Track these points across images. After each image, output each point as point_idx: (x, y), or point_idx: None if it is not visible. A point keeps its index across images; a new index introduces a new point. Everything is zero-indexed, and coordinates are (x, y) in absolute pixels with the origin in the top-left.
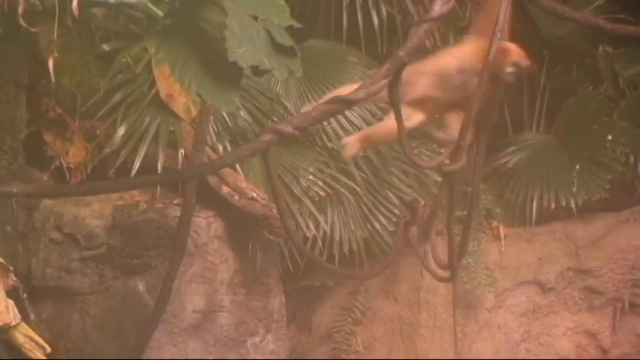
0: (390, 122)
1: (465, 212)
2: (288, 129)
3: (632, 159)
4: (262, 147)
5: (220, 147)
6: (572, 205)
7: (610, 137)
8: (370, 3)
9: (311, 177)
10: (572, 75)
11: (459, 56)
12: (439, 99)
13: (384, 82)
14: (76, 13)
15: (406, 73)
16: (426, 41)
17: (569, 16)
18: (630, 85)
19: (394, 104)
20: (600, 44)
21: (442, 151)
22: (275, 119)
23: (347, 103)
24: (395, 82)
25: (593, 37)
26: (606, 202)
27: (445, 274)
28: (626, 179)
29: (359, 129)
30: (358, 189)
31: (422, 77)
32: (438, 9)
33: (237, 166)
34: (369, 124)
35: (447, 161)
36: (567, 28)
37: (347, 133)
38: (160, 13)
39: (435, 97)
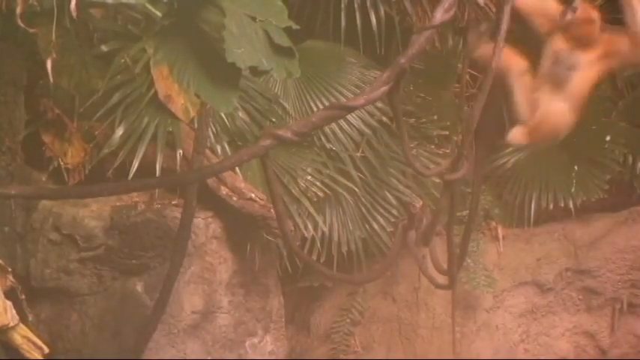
0: (558, 106)
1: (464, 212)
2: (288, 134)
3: (630, 159)
4: (261, 151)
5: (219, 148)
6: (571, 205)
7: (608, 138)
8: (368, 4)
9: (309, 177)
10: None
11: (546, 53)
12: (570, 94)
13: (385, 89)
14: (74, 13)
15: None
16: None
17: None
18: (629, 85)
19: (395, 111)
20: None
21: (440, 152)
22: (273, 120)
23: (346, 109)
24: (395, 89)
25: None
26: (605, 202)
27: (443, 280)
28: (624, 180)
29: (357, 130)
30: (356, 190)
31: (539, 92)
32: (439, 16)
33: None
34: (367, 124)
35: (449, 169)
36: None
37: (345, 134)
38: (159, 14)
39: (565, 96)
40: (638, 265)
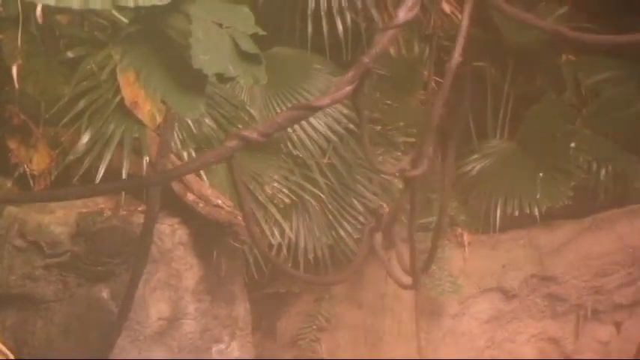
0: None
1: (429, 219)
2: (254, 135)
3: (594, 166)
4: (227, 153)
5: (185, 154)
6: (536, 212)
7: (573, 145)
8: (335, 10)
9: (276, 184)
10: (536, 82)
11: None
12: None
13: (349, 88)
14: (40, 19)
15: None
16: (391, 49)
17: (534, 24)
18: (592, 93)
19: (358, 110)
20: (563, 52)
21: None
22: (240, 126)
23: (311, 109)
24: (360, 88)
25: (557, 45)
26: (569, 209)
27: (409, 281)
28: (588, 186)
29: (324, 136)
30: (323, 196)
31: None
32: (402, 15)
33: (202, 173)
34: (333, 131)
35: (409, 167)
36: (531, 35)
37: (311, 140)
38: (125, 20)
39: None
40: (602, 271)
